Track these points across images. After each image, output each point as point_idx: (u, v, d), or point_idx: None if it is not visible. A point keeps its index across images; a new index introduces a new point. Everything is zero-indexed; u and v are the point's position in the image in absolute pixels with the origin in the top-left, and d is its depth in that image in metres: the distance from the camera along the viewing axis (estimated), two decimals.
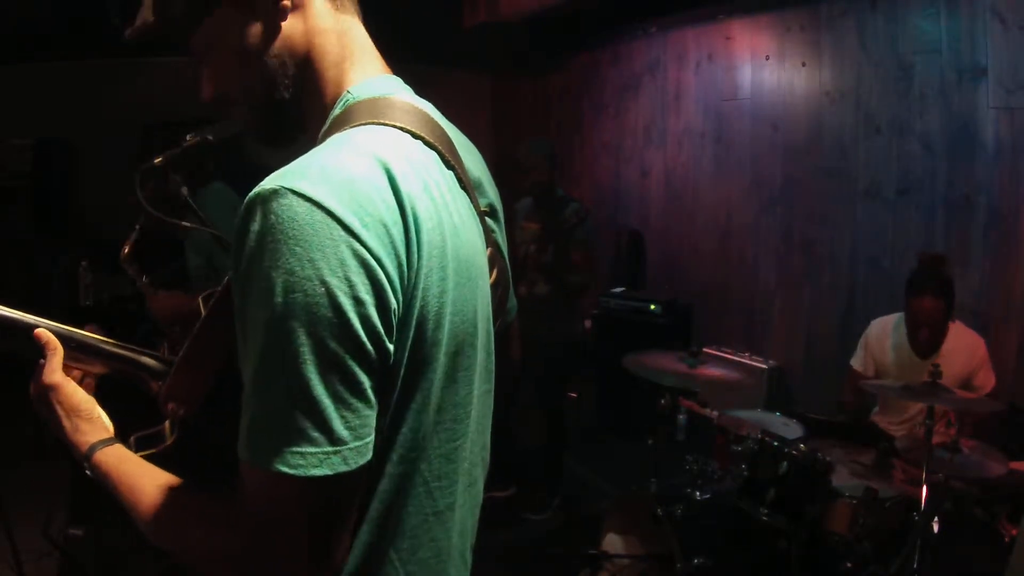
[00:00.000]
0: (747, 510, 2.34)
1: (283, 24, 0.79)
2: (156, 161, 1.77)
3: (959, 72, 3.14)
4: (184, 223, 1.99)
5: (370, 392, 0.65)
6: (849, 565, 2.17)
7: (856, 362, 3.00)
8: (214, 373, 0.76)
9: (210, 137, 1.80)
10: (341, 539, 0.70)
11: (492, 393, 0.90)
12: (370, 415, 0.66)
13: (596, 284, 3.67)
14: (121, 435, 0.87)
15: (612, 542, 2.67)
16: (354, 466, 0.65)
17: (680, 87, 4.66)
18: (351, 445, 0.64)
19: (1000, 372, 2.88)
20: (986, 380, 2.71)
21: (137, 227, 2.00)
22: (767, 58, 4.05)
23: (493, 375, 0.90)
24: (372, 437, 0.67)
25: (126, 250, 2.11)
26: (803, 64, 3.85)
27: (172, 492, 0.75)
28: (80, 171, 4.74)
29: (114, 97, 4.70)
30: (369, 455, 0.66)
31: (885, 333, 2.91)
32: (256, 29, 0.79)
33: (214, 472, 0.68)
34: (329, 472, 0.63)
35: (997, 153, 3.05)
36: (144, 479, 0.78)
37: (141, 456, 0.82)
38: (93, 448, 0.82)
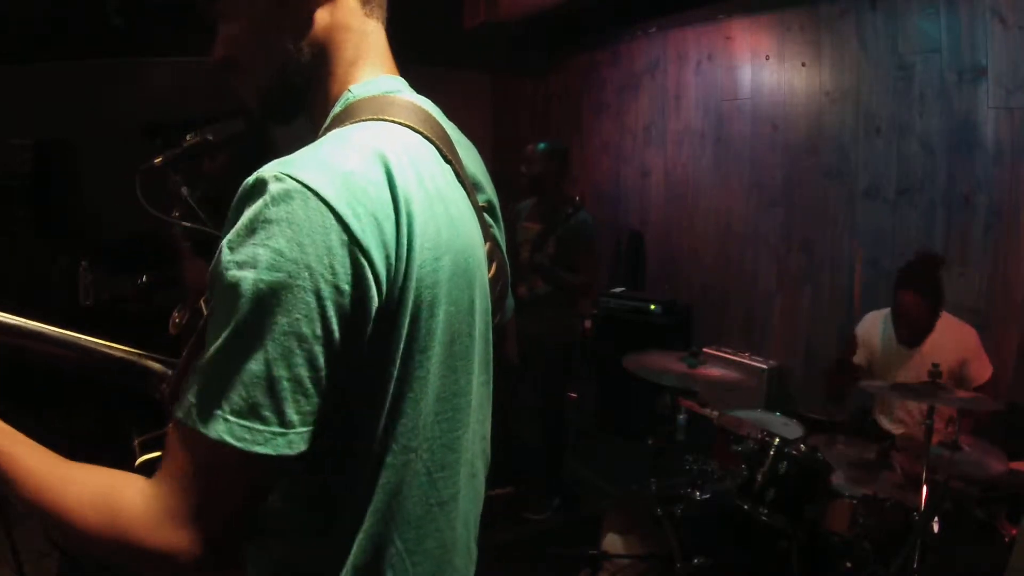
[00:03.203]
0: (747, 510, 2.34)
1: (312, 12, 0.80)
2: (156, 161, 1.77)
3: (959, 72, 3.14)
4: (184, 223, 1.99)
5: (326, 382, 0.66)
6: (849, 565, 2.17)
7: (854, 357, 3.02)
8: None
9: (210, 137, 1.80)
10: (252, 521, 0.69)
11: (491, 384, 0.91)
12: (320, 404, 0.66)
13: (597, 283, 3.67)
14: (125, 437, 0.86)
15: (612, 542, 2.67)
16: (296, 451, 0.65)
17: (680, 87, 4.66)
18: (298, 430, 0.65)
19: (1000, 372, 2.88)
20: (980, 371, 2.71)
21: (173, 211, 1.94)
22: (767, 58, 4.05)
23: (492, 366, 0.91)
24: (315, 428, 0.66)
25: (177, 212, 2.03)
26: (803, 64, 3.84)
27: (64, 462, 0.71)
28: (80, 171, 4.73)
29: (114, 97, 4.70)
30: (308, 445, 0.66)
31: (875, 325, 2.96)
32: (286, 11, 0.80)
33: None
34: (272, 452, 0.63)
35: (997, 153, 3.05)
36: (26, 447, 0.72)
37: (146, 459, 0.81)
38: None
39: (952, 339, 2.74)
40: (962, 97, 3.14)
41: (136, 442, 0.85)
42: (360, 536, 0.73)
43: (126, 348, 0.97)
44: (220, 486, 0.65)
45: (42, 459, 0.71)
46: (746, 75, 4.20)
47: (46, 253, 4.45)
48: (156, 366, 0.97)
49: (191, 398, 0.65)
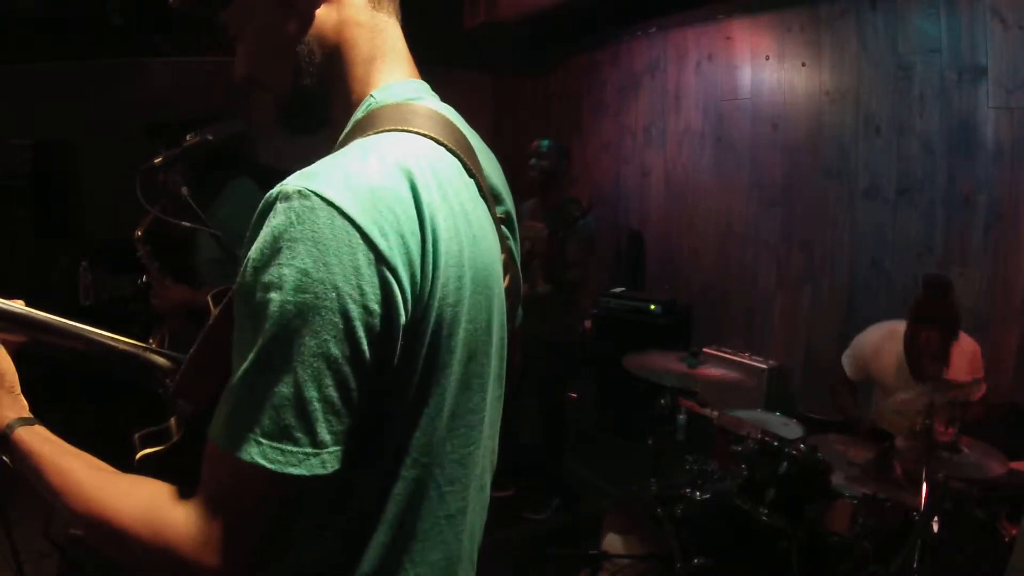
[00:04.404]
0: (747, 510, 2.34)
1: (316, 12, 0.79)
2: (156, 161, 1.77)
3: (959, 72, 3.14)
4: (184, 223, 1.99)
5: (357, 400, 0.66)
6: (849, 565, 2.17)
7: (846, 364, 2.92)
8: (224, 371, 0.76)
9: (210, 137, 1.80)
10: (296, 540, 0.71)
11: (503, 399, 0.91)
12: (352, 424, 0.66)
13: (588, 281, 3.66)
14: (124, 431, 0.86)
15: (612, 542, 2.67)
16: (330, 470, 0.65)
17: (680, 87, 4.66)
18: (331, 449, 0.65)
19: (1000, 372, 2.88)
20: (978, 389, 2.65)
21: (156, 207, 1.99)
22: (767, 58, 4.05)
23: (504, 381, 0.90)
24: (346, 446, 0.67)
25: (139, 232, 2.11)
26: (803, 64, 3.84)
27: (108, 473, 0.73)
28: (80, 171, 4.74)
29: (114, 97, 4.70)
30: (342, 463, 0.67)
31: (885, 347, 2.79)
32: (288, 13, 0.79)
33: None
34: (306, 473, 0.64)
35: (997, 153, 3.05)
36: (71, 458, 0.74)
37: (147, 453, 0.81)
38: (12, 425, 0.78)
39: (964, 360, 2.63)
40: (962, 97, 3.14)
41: (136, 436, 0.84)
42: (368, 547, 0.73)
43: (131, 341, 0.97)
44: (257, 507, 0.65)
45: (90, 472, 0.73)
46: (746, 75, 4.20)
47: (46, 253, 4.45)
48: (160, 360, 0.97)
49: (222, 421, 0.65)
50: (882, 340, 2.81)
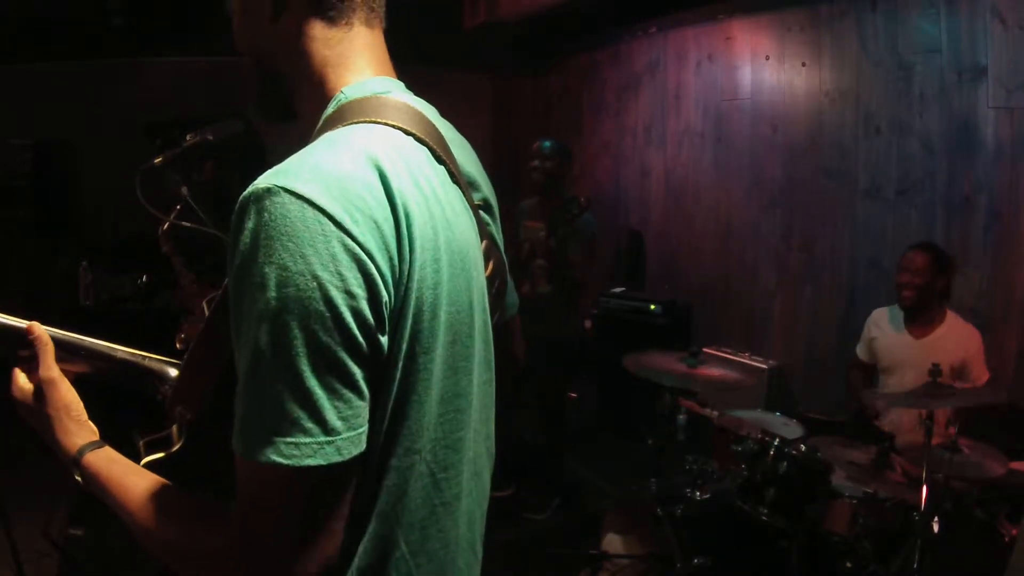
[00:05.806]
0: (747, 510, 2.34)
1: (268, 19, 0.82)
2: (156, 161, 1.78)
3: (959, 72, 3.14)
4: (184, 223, 1.99)
5: (362, 383, 0.67)
6: (849, 565, 2.17)
7: (858, 349, 3.12)
8: (219, 375, 0.76)
9: (210, 137, 1.81)
10: (333, 530, 0.71)
11: (493, 384, 0.91)
12: (362, 406, 0.67)
13: (591, 281, 3.67)
14: (128, 438, 0.87)
15: (612, 542, 2.67)
16: (348, 456, 0.66)
17: (680, 87, 4.66)
18: (344, 435, 0.65)
19: (1000, 372, 2.88)
20: (979, 375, 2.73)
21: (178, 206, 1.98)
22: (767, 58, 4.05)
23: (493, 365, 0.91)
24: (365, 428, 0.68)
25: (165, 226, 2.10)
26: (803, 64, 3.84)
27: (163, 490, 0.76)
28: (80, 171, 4.74)
29: (114, 97, 4.70)
30: (363, 445, 0.68)
31: (882, 317, 3.03)
32: (250, 14, 0.84)
33: (222, 475, 0.69)
34: (323, 462, 0.64)
35: (997, 153, 3.05)
36: (134, 478, 0.78)
37: (149, 460, 0.82)
38: (83, 451, 0.82)
39: (957, 337, 2.76)
40: (962, 97, 3.14)
41: (141, 443, 0.85)
42: (365, 539, 0.73)
43: (129, 349, 0.98)
44: (286, 507, 0.66)
45: (148, 487, 0.76)
46: (746, 75, 4.20)
47: (46, 253, 4.45)
48: (158, 367, 0.98)
49: (237, 428, 0.66)
50: (882, 312, 3.05)
